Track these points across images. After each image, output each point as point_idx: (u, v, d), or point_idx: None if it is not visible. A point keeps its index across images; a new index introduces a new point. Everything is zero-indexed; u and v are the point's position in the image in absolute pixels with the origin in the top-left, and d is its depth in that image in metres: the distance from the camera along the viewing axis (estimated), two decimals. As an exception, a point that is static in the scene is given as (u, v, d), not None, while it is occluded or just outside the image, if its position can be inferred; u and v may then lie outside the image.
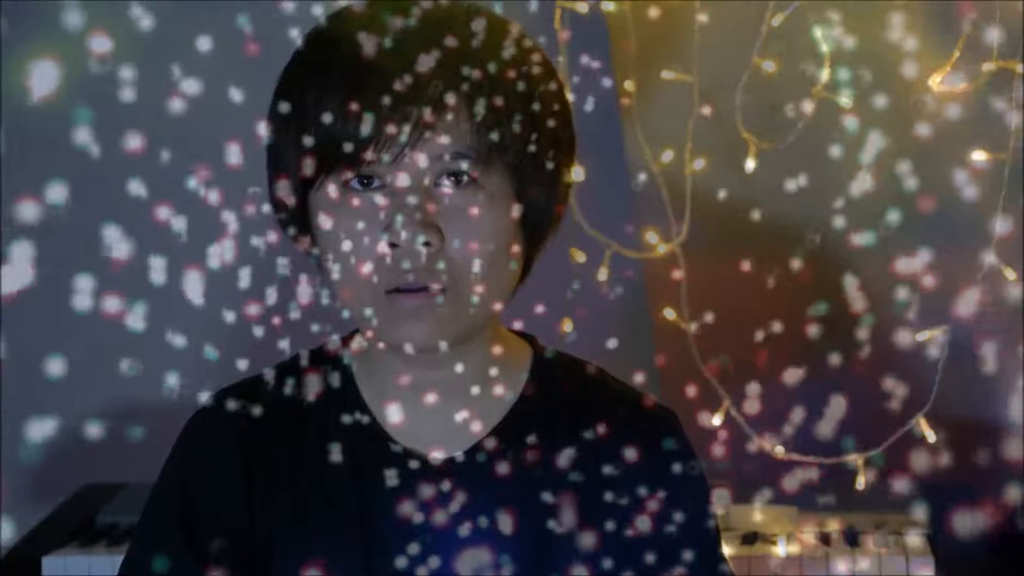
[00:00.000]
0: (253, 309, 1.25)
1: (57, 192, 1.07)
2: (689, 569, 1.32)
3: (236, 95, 1.27)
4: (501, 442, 1.33)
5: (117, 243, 1.16)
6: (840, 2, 2.21)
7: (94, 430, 1.28)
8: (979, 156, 2.15)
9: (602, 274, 2.34)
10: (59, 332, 1.82)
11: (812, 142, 2.23)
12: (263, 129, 1.27)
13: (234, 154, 1.22)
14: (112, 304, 1.13)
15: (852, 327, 2.18)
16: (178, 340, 1.37)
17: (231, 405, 1.34)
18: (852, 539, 2.26)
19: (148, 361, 1.44)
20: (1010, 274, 2.16)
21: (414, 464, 1.32)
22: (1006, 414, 2.39)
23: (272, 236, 1.31)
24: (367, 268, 1.23)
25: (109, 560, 2.26)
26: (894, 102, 2.11)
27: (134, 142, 1.19)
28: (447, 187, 1.24)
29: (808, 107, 2.22)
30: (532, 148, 1.25)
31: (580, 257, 2.33)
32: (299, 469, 1.34)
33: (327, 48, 1.25)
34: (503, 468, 1.32)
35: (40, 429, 1.11)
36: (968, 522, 2.09)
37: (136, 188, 1.28)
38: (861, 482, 2.26)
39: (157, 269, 1.18)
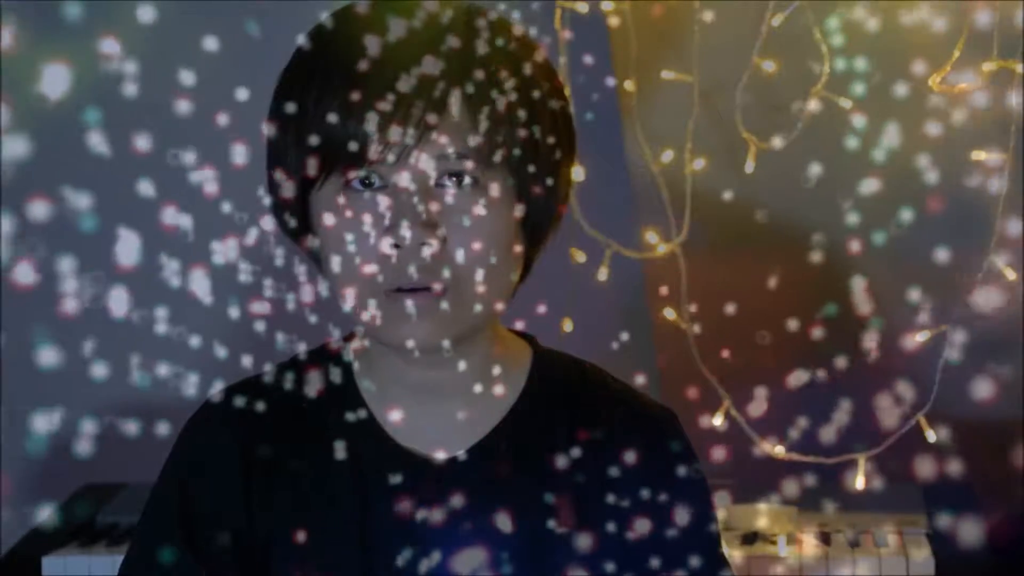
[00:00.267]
0: (257, 306, 1.25)
1: (67, 193, 1.07)
2: (690, 573, 1.32)
3: (242, 94, 1.26)
4: (501, 442, 1.33)
5: (124, 242, 1.16)
6: (841, 2, 2.21)
7: (94, 429, 1.28)
8: (984, 155, 2.15)
9: (602, 274, 2.34)
10: (59, 331, 1.82)
11: (812, 142, 2.24)
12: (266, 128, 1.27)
13: (239, 154, 1.22)
14: (119, 303, 1.13)
15: (852, 327, 2.18)
16: (190, 340, 1.37)
17: (231, 404, 1.34)
18: (852, 539, 2.26)
19: (150, 361, 1.44)
20: (1010, 274, 2.16)
21: (414, 463, 1.32)
22: (1006, 414, 2.40)
23: (274, 235, 1.31)
24: (369, 268, 1.23)
25: (109, 560, 2.25)
26: (894, 102, 2.11)
27: (143, 142, 1.19)
28: (449, 187, 1.24)
29: (809, 107, 2.22)
30: (533, 148, 1.25)
31: (580, 257, 2.34)
32: (299, 468, 1.33)
33: (329, 47, 1.25)
34: (503, 468, 1.32)
35: (45, 423, 1.11)
36: (968, 522, 2.09)
37: (145, 188, 1.28)
38: (861, 482, 2.26)
39: (166, 269, 1.18)
